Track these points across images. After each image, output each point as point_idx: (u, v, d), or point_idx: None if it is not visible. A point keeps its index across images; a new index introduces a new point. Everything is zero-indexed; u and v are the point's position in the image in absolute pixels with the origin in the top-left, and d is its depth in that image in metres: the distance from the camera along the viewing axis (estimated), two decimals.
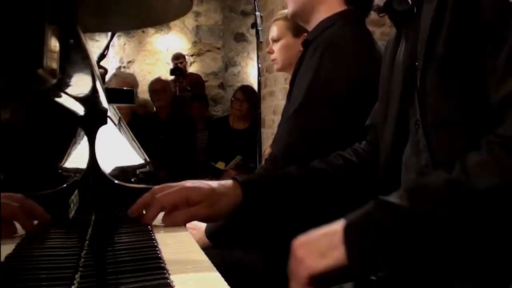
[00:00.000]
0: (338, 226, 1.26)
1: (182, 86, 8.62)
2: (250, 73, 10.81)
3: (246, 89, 7.55)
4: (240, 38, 10.83)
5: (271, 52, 3.43)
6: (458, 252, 1.17)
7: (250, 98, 7.18)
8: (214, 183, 1.72)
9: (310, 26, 2.46)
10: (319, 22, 2.40)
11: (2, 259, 1.11)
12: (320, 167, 1.89)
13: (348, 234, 1.23)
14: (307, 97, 2.19)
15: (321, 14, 2.41)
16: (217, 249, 1.97)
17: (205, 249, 1.35)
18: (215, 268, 1.16)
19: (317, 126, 2.18)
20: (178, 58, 9.49)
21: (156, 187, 1.64)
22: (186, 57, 9.98)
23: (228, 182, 1.76)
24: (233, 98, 7.53)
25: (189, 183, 1.69)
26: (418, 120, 1.42)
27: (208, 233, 2.12)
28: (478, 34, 1.25)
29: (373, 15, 2.05)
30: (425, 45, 1.37)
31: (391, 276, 1.23)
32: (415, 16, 1.46)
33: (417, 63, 1.43)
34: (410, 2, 1.46)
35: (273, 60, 3.53)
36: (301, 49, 2.52)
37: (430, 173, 1.32)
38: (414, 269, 1.20)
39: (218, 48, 10.77)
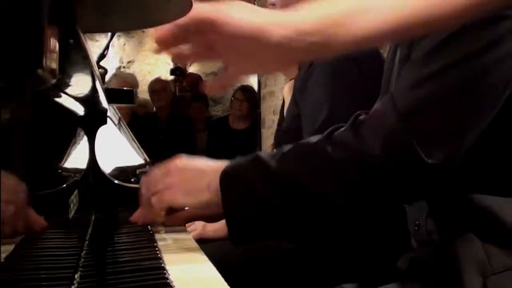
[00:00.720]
0: (212, 170, 1.34)
1: (182, 86, 8.62)
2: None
3: (246, 89, 7.54)
4: None
5: None
6: (297, 208, 1.27)
7: (250, 98, 7.19)
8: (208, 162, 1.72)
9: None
10: None
11: (2, 259, 1.11)
12: None
13: (223, 180, 1.30)
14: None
15: None
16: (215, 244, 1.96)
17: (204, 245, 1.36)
18: (215, 268, 1.16)
19: None
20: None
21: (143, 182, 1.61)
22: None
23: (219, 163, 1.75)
24: (232, 98, 7.53)
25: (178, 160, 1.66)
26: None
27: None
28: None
29: None
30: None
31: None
32: None
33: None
34: None
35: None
36: None
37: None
38: (272, 222, 1.30)
39: None
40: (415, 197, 1.29)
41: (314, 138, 1.31)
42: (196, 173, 1.37)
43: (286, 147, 1.32)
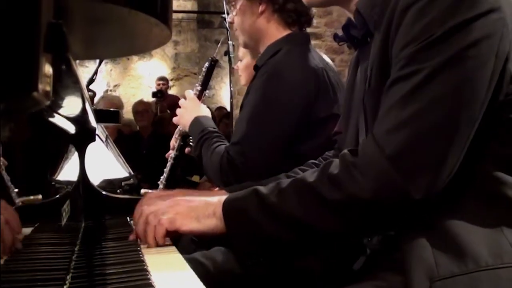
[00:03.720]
0: (215, 200, 1.37)
1: (163, 107, 8.60)
2: (223, 96, 10.82)
3: (220, 109, 7.58)
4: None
5: (237, 68, 3.36)
6: (300, 242, 1.31)
7: (224, 118, 7.20)
8: (204, 193, 1.70)
9: (261, 52, 2.47)
10: (266, 48, 2.41)
11: (2, 262, 1.10)
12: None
13: (226, 208, 1.33)
14: (252, 113, 2.22)
15: (267, 40, 2.41)
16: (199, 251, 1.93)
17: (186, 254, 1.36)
18: (190, 268, 1.16)
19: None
20: (162, 79, 9.57)
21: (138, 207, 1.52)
22: (156, 82, 10.02)
23: (219, 192, 1.74)
24: None
25: (180, 193, 1.61)
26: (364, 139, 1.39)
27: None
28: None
29: (333, 43, 2.06)
30: (369, 76, 1.35)
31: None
32: (367, 42, 1.44)
33: (365, 86, 1.41)
34: (363, 30, 1.43)
35: (240, 76, 3.44)
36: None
37: (306, 172, 1.37)
38: (265, 248, 1.34)
39: (195, 73, 10.76)
40: (398, 226, 1.26)
41: (310, 176, 1.28)
42: (202, 203, 1.39)
43: (284, 183, 1.31)
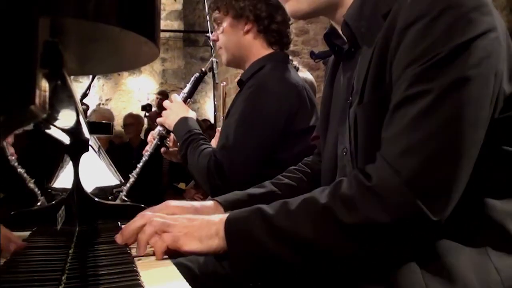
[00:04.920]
0: (217, 219, 1.25)
1: (151, 119, 8.58)
2: (207, 109, 10.82)
3: (205, 121, 7.56)
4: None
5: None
6: (305, 265, 1.19)
7: (208, 129, 7.18)
8: (195, 203, 1.57)
9: (245, 68, 2.50)
10: (251, 64, 2.44)
11: (2, 263, 1.10)
12: (286, 182, 1.76)
13: (228, 228, 1.22)
14: (238, 123, 2.23)
15: (252, 57, 2.44)
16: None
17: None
18: (175, 268, 1.15)
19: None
20: (160, 94, 9.55)
21: (141, 213, 1.39)
22: (155, 95, 9.98)
23: (209, 202, 1.61)
24: None
25: (172, 202, 1.51)
26: (345, 148, 1.36)
27: None
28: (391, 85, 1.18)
29: (309, 60, 2.06)
30: (360, 90, 1.27)
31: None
32: (352, 54, 1.38)
33: (350, 98, 1.35)
34: (350, 41, 1.37)
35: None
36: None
37: (314, 192, 1.24)
38: (267, 270, 1.21)
39: (181, 88, 10.66)
40: (413, 247, 1.17)
41: (321, 196, 1.18)
42: (204, 222, 1.26)
43: (291, 204, 1.21)
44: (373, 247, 1.14)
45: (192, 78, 2.66)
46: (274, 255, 1.17)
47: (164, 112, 2.50)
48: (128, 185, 2.52)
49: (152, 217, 1.28)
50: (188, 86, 2.64)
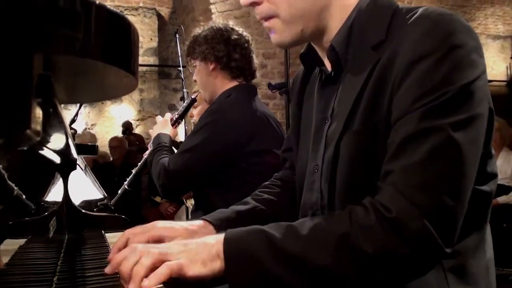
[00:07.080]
0: (214, 240, 1.05)
1: (130, 140, 8.53)
2: (179, 133, 10.77)
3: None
4: (172, 107, 10.80)
5: (191, 116, 3.14)
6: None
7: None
8: (184, 223, 1.36)
9: None
10: (219, 95, 2.52)
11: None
12: (266, 197, 1.57)
13: (227, 249, 1.03)
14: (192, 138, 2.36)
15: (219, 91, 2.54)
16: None
17: None
18: None
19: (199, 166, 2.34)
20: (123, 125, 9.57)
21: (128, 230, 1.27)
22: (133, 122, 9.99)
23: (197, 222, 1.40)
24: None
25: (160, 223, 1.32)
26: (317, 166, 1.26)
27: None
28: (388, 114, 1.09)
29: (267, 91, 2.07)
30: (345, 119, 1.16)
31: None
32: (335, 77, 1.26)
33: (327, 120, 1.25)
34: (332, 66, 1.25)
35: (194, 122, 3.14)
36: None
37: (325, 217, 1.11)
38: None
39: (157, 115, 10.69)
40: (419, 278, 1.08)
41: (335, 222, 1.05)
42: (200, 245, 1.04)
43: (302, 229, 1.05)
44: (387, 275, 1.04)
45: (184, 104, 2.87)
46: (279, 279, 1.00)
47: (154, 126, 2.78)
48: (120, 192, 3.04)
49: (146, 248, 1.03)
50: (180, 109, 2.85)
